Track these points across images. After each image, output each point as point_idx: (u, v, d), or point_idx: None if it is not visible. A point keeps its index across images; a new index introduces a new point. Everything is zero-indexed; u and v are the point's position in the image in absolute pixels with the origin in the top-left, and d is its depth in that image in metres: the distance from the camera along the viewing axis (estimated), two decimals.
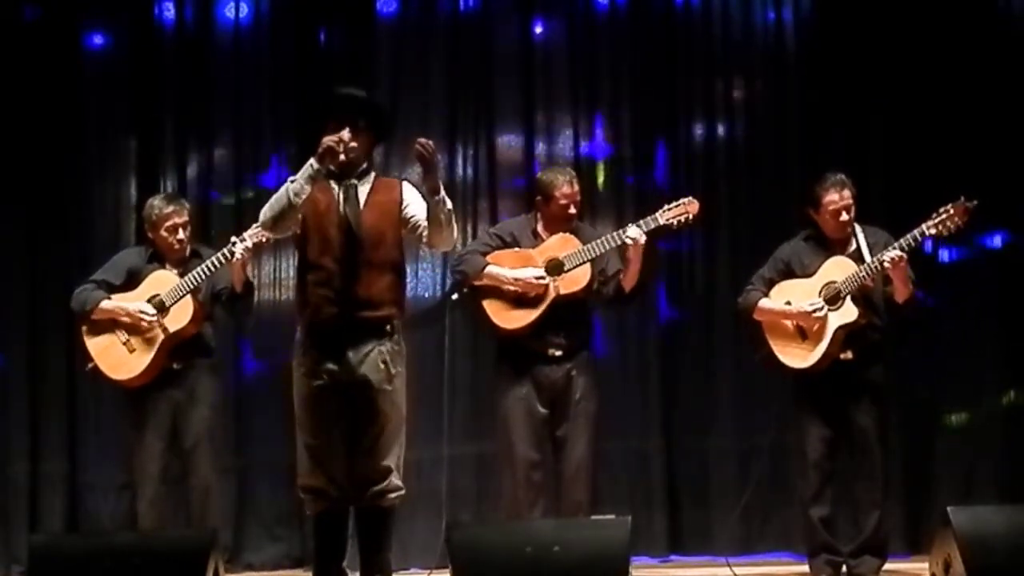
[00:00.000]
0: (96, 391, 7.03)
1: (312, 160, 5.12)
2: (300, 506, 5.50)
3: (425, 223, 5.23)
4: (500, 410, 6.14)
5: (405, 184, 5.40)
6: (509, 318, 6.05)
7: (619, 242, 5.99)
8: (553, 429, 6.10)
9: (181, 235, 6.16)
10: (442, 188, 5.16)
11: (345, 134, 5.14)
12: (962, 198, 5.76)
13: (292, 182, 5.13)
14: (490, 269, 6.07)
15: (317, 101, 5.33)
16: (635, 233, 5.95)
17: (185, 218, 6.19)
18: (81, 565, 4.85)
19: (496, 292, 6.06)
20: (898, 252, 5.77)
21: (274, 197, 5.19)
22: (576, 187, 6.14)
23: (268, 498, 7.20)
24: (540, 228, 6.18)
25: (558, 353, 6.05)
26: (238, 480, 7.20)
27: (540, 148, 7.38)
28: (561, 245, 6.08)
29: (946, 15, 7.20)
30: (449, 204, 5.19)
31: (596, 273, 6.07)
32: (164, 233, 6.14)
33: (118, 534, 6.25)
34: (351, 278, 5.17)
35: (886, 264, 5.78)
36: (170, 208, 6.17)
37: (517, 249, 6.14)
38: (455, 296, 6.23)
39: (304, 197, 5.12)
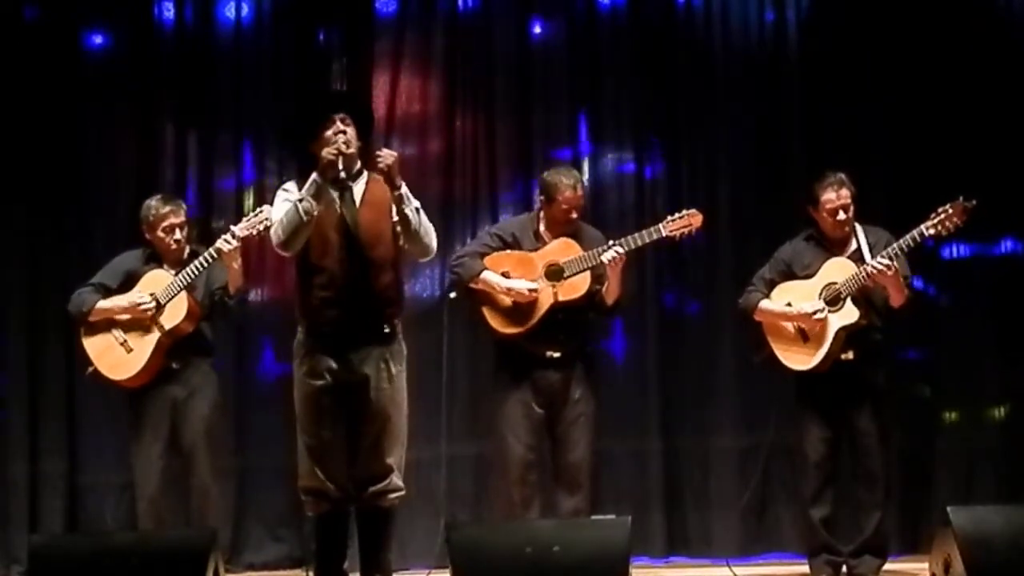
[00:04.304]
0: (95, 392, 7.02)
1: (314, 175, 5.11)
2: (301, 506, 5.49)
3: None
4: (498, 411, 6.12)
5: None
6: (506, 323, 6.02)
7: (596, 261, 5.95)
8: (551, 430, 6.09)
9: (178, 235, 6.13)
10: (404, 186, 5.15)
11: (341, 133, 5.11)
12: (960, 198, 5.76)
13: (300, 200, 5.10)
14: (486, 275, 6.03)
15: (302, 104, 5.32)
16: (608, 257, 5.89)
17: (182, 218, 6.18)
18: (81, 565, 4.86)
19: (493, 297, 6.05)
20: (884, 261, 5.75)
21: (284, 217, 5.15)
22: (579, 192, 6.08)
23: (269, 498, 7.20)
24: (542, 229, 6.13)
25: (556, 355, 6.02)
26: (238, 480, 7.19)
27: (539, 148, 7.36)
28: (562, 250, 6.03)
29: (947, 14, 7.20)
30: (415, 203, 5.17)
31: (595, 280, 6.03)
32: (161, 234, 6.13)
33: (118, 534, 6.24)
34: (352, 278, 5.18)
35: (871, 273, 5.77)
36: (167, 208, 6.15)
37: (519, 252, 6.10)
38: (452, 295, 6.21)
39: (315, 212, 5.10)
